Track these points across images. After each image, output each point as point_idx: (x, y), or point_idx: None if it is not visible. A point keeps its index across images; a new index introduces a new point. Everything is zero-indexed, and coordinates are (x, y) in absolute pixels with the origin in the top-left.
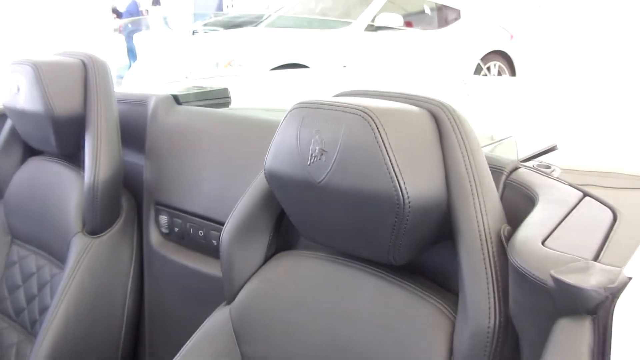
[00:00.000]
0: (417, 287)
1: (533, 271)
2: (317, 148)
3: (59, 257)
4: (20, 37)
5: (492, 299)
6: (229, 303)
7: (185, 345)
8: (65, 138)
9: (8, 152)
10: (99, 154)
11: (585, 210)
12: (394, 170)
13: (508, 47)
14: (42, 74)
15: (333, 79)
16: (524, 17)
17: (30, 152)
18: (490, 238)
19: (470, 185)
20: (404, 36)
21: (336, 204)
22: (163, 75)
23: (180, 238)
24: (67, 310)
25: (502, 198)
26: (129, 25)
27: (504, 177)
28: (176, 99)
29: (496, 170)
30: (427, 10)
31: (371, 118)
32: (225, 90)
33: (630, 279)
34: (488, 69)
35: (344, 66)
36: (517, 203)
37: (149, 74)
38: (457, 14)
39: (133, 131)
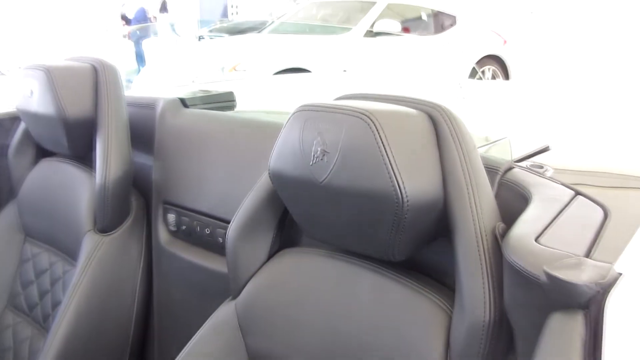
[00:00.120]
0: (415, 282)
1: (527, 267)
2: (319, 149)
3: (71, 254)
4: (35, 43)
5: (487, 294)
6: (234, 298)
7: (192, 339)
8: (77, 140)
9: (21, 154)
10: (110, 155)
11: (577, 208)
12: (393, 170)
13: (502, 51)
14: (55, 78)
15: (334, 82)
16: (516, 23)
17: (42, 153)
18: (486, 235)
19: (466, 185)
20: (402, 42)
21: (337, 203)
22: (171, 80)
23: (187, 236)
24: (79, 305)
25: (496, 197)
26: (138, 32)
27: (498, 177)
28: (183, 102)
29: (491, 170)
30: (424, 17)
31: (371, 120)
32: (231, 93)
33: (620, 274)
34: (483, 72)
35: (344, 70)
36: (511, 202)
37: (157, 78)
38: (453, 20)
39: (142, 133)
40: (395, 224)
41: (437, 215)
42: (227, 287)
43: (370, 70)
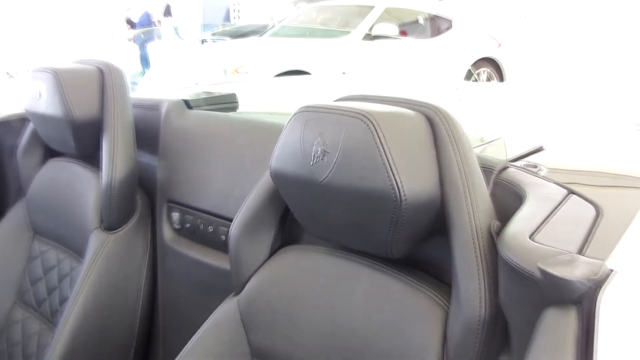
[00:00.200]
0: (413, 279)
1: (521, 264)
2: (320, 149)
3: (78, 251)
4: (44, 47)
5: (483, 290)
6: (237, 294)
7: (196, 334)
8: (84, 140)
9: (30, 154)
10: (115, 155)
11: (570, 207)
12: (391, 169)
13: (496, 54)
14: (62, 80)
15: (333, 84)
16: (511, 27)
17: (50, 153)
18: (481, 233)
19: (462, 184)
20: (400, 45)
21: (337, 201)
22: (175, 82)
23: (191, 233)
24: (86, 301)
25: (492, 195)
26: (142, 35)
27: (493, 176)
28: (187, 104)
29: (486, 169)
30: (421, 21)
31: (370, 121)
32: (233, 95)
33: (612, 271)
34: (478, 75)
35: (344, 73)
36: (506, 200)
37: (161, 80)
38: (449, 24)
39: (147, 134)
40: (394, 222)
41: (434, 214)
42: (229, 284)
43: (368, 73)
